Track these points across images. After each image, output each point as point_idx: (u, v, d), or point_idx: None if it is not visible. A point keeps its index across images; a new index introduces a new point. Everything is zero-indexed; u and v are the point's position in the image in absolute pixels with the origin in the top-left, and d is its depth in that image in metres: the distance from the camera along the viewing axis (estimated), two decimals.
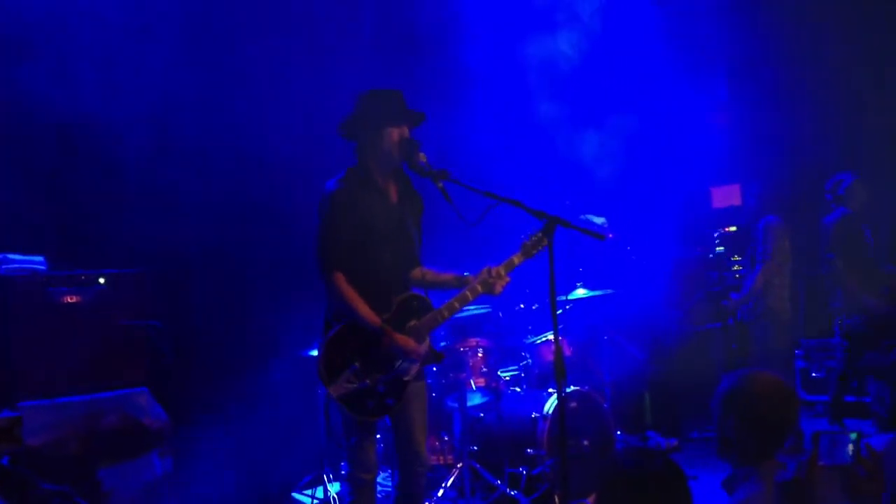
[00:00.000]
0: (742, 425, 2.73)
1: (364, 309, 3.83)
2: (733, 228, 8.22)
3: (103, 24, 5.29)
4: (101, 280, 4.76)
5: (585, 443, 5.46)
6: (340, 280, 3.84)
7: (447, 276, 4.20)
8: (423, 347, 3.98)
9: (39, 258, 4.76)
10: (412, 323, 3.95)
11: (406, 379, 3.92)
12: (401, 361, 3.88)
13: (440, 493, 5.43)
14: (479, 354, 5.75)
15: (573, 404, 5.52)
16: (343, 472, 3.96)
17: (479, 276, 3.99)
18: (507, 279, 4.00)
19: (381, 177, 4.00)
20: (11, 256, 4.63)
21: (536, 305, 6.38)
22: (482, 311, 6.19)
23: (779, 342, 6.73)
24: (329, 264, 3.86)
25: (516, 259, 4.01)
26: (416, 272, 4.12)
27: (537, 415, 5.50)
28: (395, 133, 3.91)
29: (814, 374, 7.49)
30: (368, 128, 3.95)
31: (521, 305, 6.51)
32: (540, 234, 3.88)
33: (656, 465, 2.33)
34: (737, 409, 2.76)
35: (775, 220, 6.69)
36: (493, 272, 3.97)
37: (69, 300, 4.64)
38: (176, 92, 5.56)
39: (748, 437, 2.73)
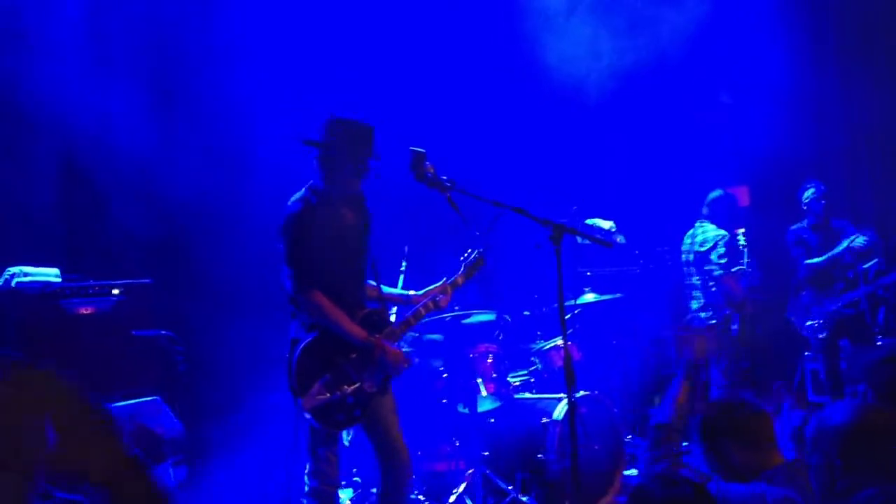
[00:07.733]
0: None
1: (349, 323, 3.97)
2: (742, 230, 8.20)
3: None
4: (115, 291, 4.81)
5: (596, 447, 5.46)
6: (320, 297, 3.93)
7: (394, 296, 4.55)
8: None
9: (55, 271, 4.81)
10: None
11: (371, 391, 4.03)
12: (370, 373, 4.00)
13: (452, 498, 5.45)
14: (489, 360, 5.77)
15: (583, 409, 5.53)
16: (308, 487, 4.03)
17: (428, 294, 4.35)
18: (450, 296, 4.39)
19: (340, 196, 4.11)
20: (27, 270, 4.69)
21: (545, 309, 6.39)
22: (490, 317, 6.22)
23: None
24: (306, 283, 3.94)
25: (460, 279, 4.40)
26: (368, 289, 4.30)
27: (548, 420, 5.52)
28: (357, 171, 4.04)
29: (822, 378, 7.46)
30: (332, 157, 4.03)
31: (527, 312, 6.53)
32: (477, 256, 4.38)
33: (686, 492, 2.30)
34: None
35: None
36: (440, 290, 4.33)
37: (83, 311, 4.68)
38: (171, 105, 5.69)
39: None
